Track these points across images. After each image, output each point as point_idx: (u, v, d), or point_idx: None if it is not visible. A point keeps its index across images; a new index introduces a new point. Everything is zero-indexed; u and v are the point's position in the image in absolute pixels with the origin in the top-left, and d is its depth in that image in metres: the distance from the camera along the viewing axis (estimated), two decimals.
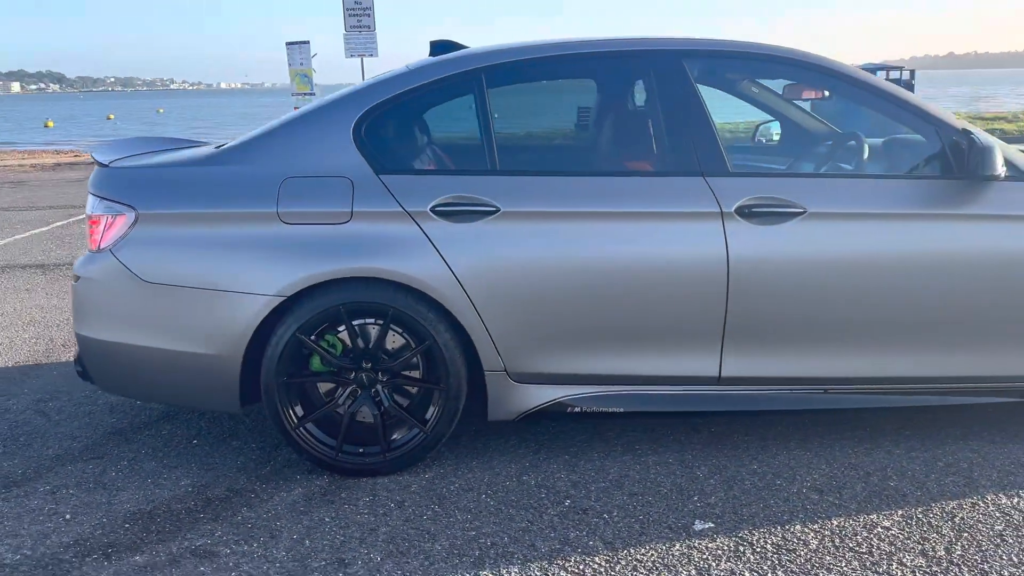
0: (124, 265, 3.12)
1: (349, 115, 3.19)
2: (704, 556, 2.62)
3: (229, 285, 3.06)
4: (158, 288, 3.11)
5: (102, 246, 3.18)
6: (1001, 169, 3.00)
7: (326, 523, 2.89)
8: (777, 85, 3.97)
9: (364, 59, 17.26)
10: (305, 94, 18.72)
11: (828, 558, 2.59)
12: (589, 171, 3.20)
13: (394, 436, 3.23)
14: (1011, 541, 2.65)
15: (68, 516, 3.01)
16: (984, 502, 2.89)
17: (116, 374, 3.30)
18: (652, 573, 2.55)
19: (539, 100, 3.61)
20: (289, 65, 19.10)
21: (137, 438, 3.67)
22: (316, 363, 3.20)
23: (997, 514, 2.82)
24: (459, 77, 3.23)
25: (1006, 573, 2.49)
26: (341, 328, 3.13)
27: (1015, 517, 2.79)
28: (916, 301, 3.11)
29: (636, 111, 3.30)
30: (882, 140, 3.61)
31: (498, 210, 3.06)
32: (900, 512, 2.85)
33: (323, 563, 2.65)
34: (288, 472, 3.28)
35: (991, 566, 2.52)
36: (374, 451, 3.19)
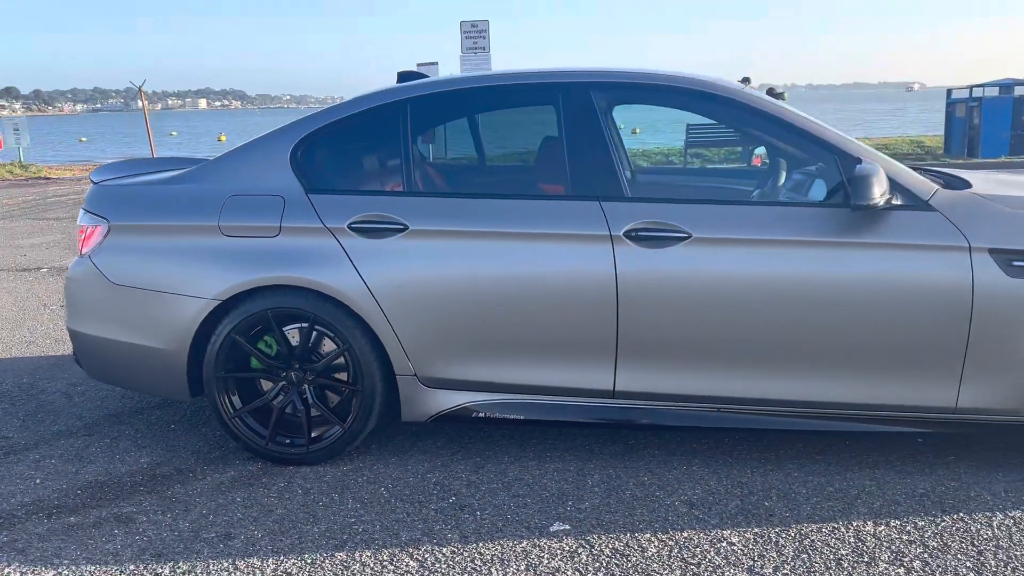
0: (98, 268, 3.62)
1: (290, 140, 3.57)
2: (541, 554, 2.81)
3: (177, 288, 3.50)
4: (123, 289, 3.59)
5: (83, 252, 3.70)
6: (878, 199, 3.01)
7: (236, 502, 3.26)
8: None
9: None
10: None
11: (655, 565, 2.72)
12: (495, 193, 3.43)
13: (319, 430, 3.56)
14: (845, 566, 2.69)
15: (39, 481, 3.52)
16: (846, 528, 2.93)
17: (97, 363, 3.81)
18: (485, 565, 2.76)
19: (461, 127, 3.87)
20: None
21: (130, 421, 4.18)
22: (255, 361, 3.58)
23: (851, 540, 2.85)
24: (386, 108, 3.56)
25: None
26: (290, 328, 3.50)
27: (867, 544, 2.82)
28: (798, 326, 3.17)
29: (544, 138, 3.50)
30: (815, 167, 3.65)
31: (407, 228, 3.36)
32: (755, 531, 2.93)
33: (213, 535, 3.02)
34: (232, 457, 3.68)
35: None
36: (300, 443, 3.55)
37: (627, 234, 3.24)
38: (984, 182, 3.55)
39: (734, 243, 3.19)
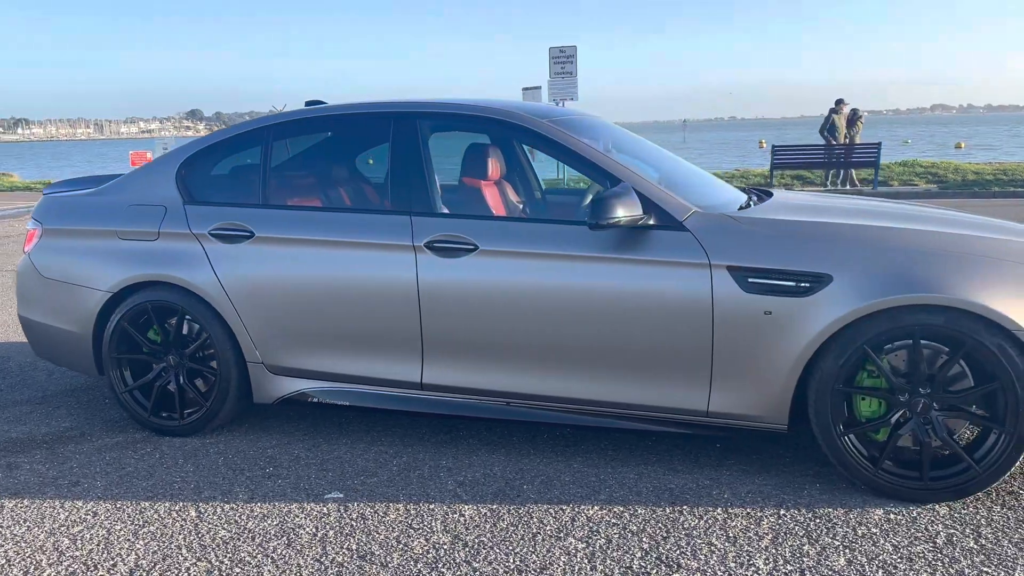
0: (33, 264, 4.40)
1: (179, 159, 4.25)
2: (298, 513, 3.31)
3: (85, 281, 4.22)
4: (50, 281, 4.35)
5: (26, 250, 4.49)
6: (618, 218, 3.32)
7: (104, 460, 3.93)
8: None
9: (567, 102, 18.44)
10: None
11: (382, 527, 3.16)
12: (329, 207, 3.97)
13: (192, 408, 4.18)
14: (539, 539, 3.03)
15: None
16: (570, 510, 3.24)
17: (37, 344, 4.59)
18: (247, 519, 3.28)
19: (316, 149, 4.44)
20: None
21: (78, 395, 4.96)
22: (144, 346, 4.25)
23: (565, 519, 3.17)
24: (252, 133, 4.18)
25: (491, 560, 2.93)
26: (170, 319, 4.16)
27: (575, 523, 3.13)
28: (564, 331, 3.52)
29: (377, 160, 4.01)
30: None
31: (253, 234, 3.95)
32: (492, 506, 3.30)
33: (65, 482, 3.68)
34: (129, 427, 4.36)
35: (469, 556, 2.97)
36: (175, 418, 4.18)
37: (427, 245, 3.69)
38: (776, 204, 3.82)
39: (511, 255, 3.59)
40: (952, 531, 3.01)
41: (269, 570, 2.91)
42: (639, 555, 2.91)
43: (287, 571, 2.89)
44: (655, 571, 2.81)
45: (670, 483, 3.48)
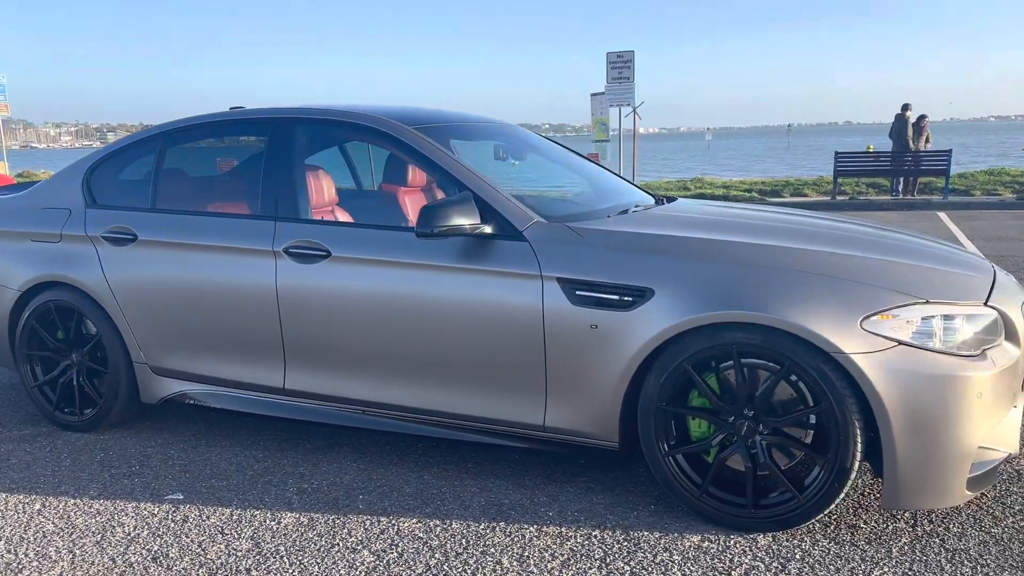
0: None
1: (87, 164, 4.41)
2: (127, 512, 3.37)
3: (1, 280, 4.42)
4: None
5: None
6: (446, 226, 3.23)
7: (1, 450, 4.10)
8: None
9: (624, 107, 18.23)
10: (601, 140, 20.18)
11: (194, 528, 3.20)
12: (205, 212, 4.04)
13: (90, 406, 4.33)
14: (352, 544, 3.02)
15: None
16: (388, 519, 3.21)
17: None
18: (80, 515, 3.37)
19: (200, 154, 4.51)
20: (592, 114, 20.63)
21: (19, 388, 5.18)
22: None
23: (382, 528, 3.14)
24: (147, 140, 4.30)
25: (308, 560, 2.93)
26: (70, 319, 4.31)
27: (386, 533, 3.10)
28: (411, 340, 3.48)
29: (253, 165, 4.05)
30: None
31: (136, 237, 4.06)
32: (313, 515, 3.29)
33: None
34: (42, 421, 4.54)
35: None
36: (76, 413, 4.34)
37: (285, 250, 3.72)
38: (651, 213, 3.75)
39: (359, 262, 3.57)
40: (756, 564, 2.84)
41: (63, 566, 2.98)
42: (421, 570, 2.86)
43: (80, 568, 2.96)
44: None
45: (505, 499, 3.40)
